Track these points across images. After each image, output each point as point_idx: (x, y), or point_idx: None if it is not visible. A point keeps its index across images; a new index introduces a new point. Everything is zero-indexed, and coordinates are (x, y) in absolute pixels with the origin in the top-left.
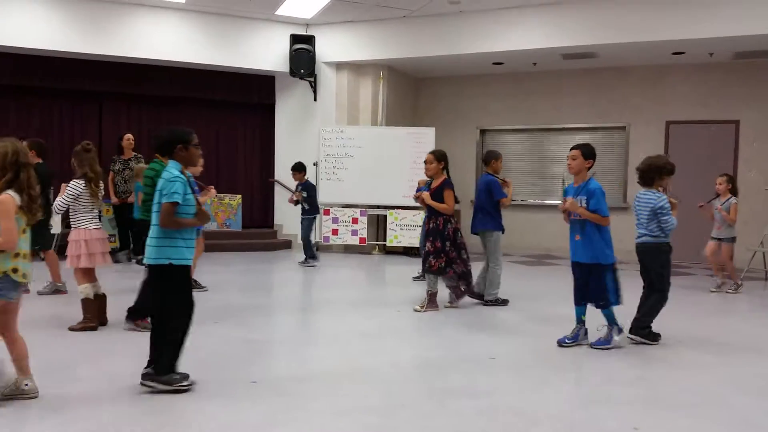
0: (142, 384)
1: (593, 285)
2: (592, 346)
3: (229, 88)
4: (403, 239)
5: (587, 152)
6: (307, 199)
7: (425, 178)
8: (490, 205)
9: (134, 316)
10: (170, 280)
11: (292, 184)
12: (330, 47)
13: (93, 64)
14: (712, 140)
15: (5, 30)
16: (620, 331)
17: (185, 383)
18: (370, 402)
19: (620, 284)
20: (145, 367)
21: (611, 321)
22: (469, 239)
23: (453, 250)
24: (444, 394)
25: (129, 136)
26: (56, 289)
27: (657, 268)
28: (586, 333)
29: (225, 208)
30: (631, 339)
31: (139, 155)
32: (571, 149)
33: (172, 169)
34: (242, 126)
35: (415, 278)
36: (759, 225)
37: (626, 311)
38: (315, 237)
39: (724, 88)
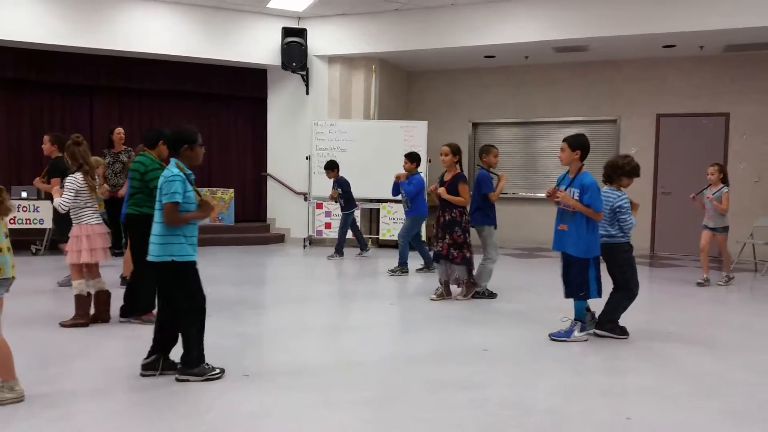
0: (177, 379)
1: (574, 276)
2: (550, 336)
3: (220, 82)
4: (395, 232)
5: (574, 143)
6: (343, 195)
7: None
8: (480, 200)
9: (139, 312)
10: (177, 277)
11: (288, 178)
12: (322, 40)
13: (84, 58)
14: (702, 133)
15: None
16: (583, 328)
17: (216, 372)
18: (363, 395)
19: (600, 277)
20: (146, 357)
21: (579, 315)
22: (514, 232)
23: (471, 241)
24: (437, 386)
25: (120, 129)
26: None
27: (619, 268)
28: (593, 318)
29: (217, 203)
30: (597, 333)
31: (129, 149)
32: (563, 141)
33: (173, 167)
34: (234, 119)
35: (392, 272)
36: (748, 217)
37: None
38: (309, 231)
39: (714, 81)
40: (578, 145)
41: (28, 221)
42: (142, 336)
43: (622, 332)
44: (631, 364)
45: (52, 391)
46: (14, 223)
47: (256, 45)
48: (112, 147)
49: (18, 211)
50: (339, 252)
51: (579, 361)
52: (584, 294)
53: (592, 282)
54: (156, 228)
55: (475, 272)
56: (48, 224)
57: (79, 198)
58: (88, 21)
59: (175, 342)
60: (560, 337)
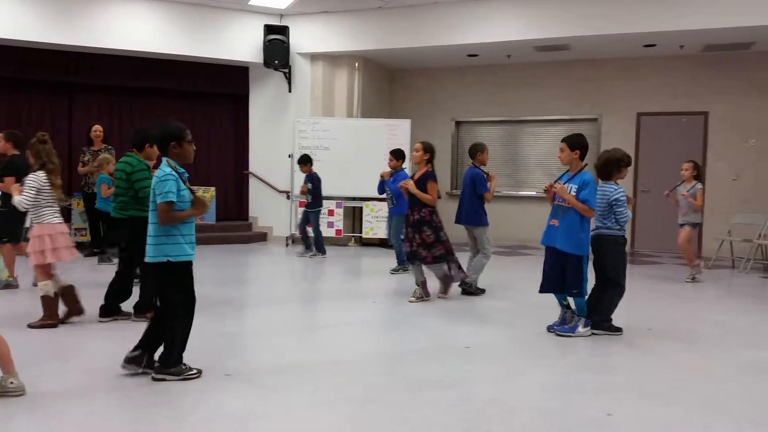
0: (153, 378)
1: (572, 274)
2: (550, 329)
3: (202, 79)
4: (379, 231)
5: (573, 143)
6: (312, 191)
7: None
8: (474, 199)
9: (141, 310)
10: (171, 276)
11: (270, 176)
12: (305, 38)
13: (63, 55)
14: (682, 131)
15: None
16: (587, 324)
17: (194, 372)
18: (347, 393)
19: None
20: (131, 351)
21: (581, 311)
22: (453, 230)
23: (446, 239)
24: (421, 384)
25: (97, 127)
26: (8, 284)
27: (613, 261)
28: (573, 314)
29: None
30: (595, 333)
31: (108, 147)
32: (561, 141)
33: (164, 166)
34: (216, 117)
35: (394, 271)
36: (726, 215)
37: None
38: (292, 229)
39: (693, 80)
40: (577, 145)
41: None
42: (124, 335)
43: (617, 329)
44: (613, 361)
45: (33, 392)
46: None
47: (238, 42)
48: (92, 145)
49: None
50: (320, 250)
51: (561, 359)
52: (578, 291)
53: (585, 281)
54: (151, 229)
55: (466, 267)
56: (26, 223)
57: (41, 197)
58: (67, 17)
59: (161, 339)
60: (565, 331)
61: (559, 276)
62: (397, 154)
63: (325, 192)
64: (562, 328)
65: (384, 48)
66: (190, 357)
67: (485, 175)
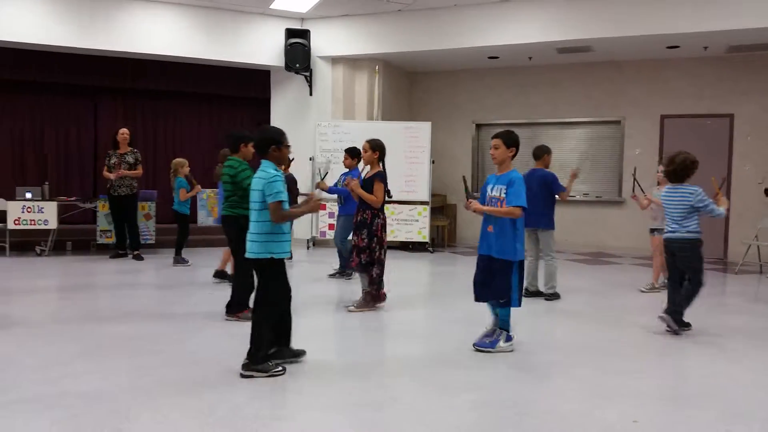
0: (242, 375)
1: (498, 282)
2: (475, 345)
3: (224, 83)
4: (399, 234)
5: (509, 140)
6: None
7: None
8: (545, 201)
9: (233, 309)
10: (273, 271)
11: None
12: (325, 41)
13: (88, 59)
14: (706, 134)
15: (0, 25)
16: (509, 338)
17: (280, 369)
18: (363, 397)
19: (522, 285)
20: (269, 350)
21: (504, 325)
22: None
23: (378, 248)
24: (437, 388)
25: (124, 130)
26: None
27: (695, 263)
28: (495, 328)
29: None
30: (662, 319)
31: (134, 149)
32: (493, 138)
33: (269, 168)
34: (238, 120)
35: (331, 276)
36: (753, 219)
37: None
38: (313, 232)
39: (718, 82)
40: (512, 142)
41: (32, 222)
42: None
43: (686, 324)
44: (636, 366)
45: (55, 391)
46: (19, 224)
47: (260, 46)
48: (117, 148)
49: (22, 212)
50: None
51: (579, 363)
52: (505, 301)
53: (515, 290)
54: (255, 227)
55: (545, 275)
56: (53, 225)
57: None
58: (92, 22)
59: (290, 329)
60: (485, 347)
61: (488, 283)
62: (353, 152)
63: None
64: (481, 342)
65: (404, 51)
66: (206, 359)
67: (572, 174)
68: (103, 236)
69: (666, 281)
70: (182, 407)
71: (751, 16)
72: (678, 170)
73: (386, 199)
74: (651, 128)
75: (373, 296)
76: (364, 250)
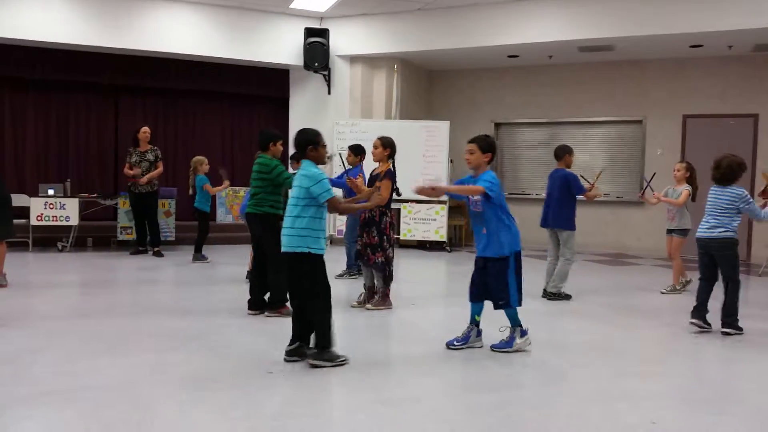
0: (310, 365)
1: (495, 283)
2: (492, 348)
3: (243, 82)
4: (417, 233)
5: (485, 146)
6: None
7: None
8: (564, 201)
9: (275, 306)
10: (309, 265)
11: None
12: (344, 40)
13: (110, 58)
14: (730, 134)
15: (24, 24)
16: (523, 333)
17: (342, 358)
18: (384, 395)
19: (522, 283)
20: (288, 345)
21: (514, 322)
22: (537, 233)
23: (389, 246)
24: (459, 388)
25: (146, 129)
26: None
27: (733, 261)
28: (478, 334)
29: (240, 201)
30: (727, 333)
31: (154, 147)
32: (468, 142)
33: (312, 167)
34: (257, 119)
35: (339, 276)
36: None
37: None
38: (330, 230)
39: (742, 82)
40: (488, 147)
41: (54, 218)
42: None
43: (740, 328)
44: (655, 368)
45: (79, 385)
46: (41, 220)
47: (279, 45)
48: (138, 146)
49: (44, 208)
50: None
51: (600, 364)
52: (504, 302)
53: (513, 290)
54: (294, 221)
55: (554, 273)
56: (74, 221)
57: None
58: (114, 22)
59: (311, 329)
60: (502, 347)
61: (487, 283)
62: (356, 150)
63: None
64: (499, 344)
65: (423, 50)
66: (233, 354)
67: (597, 175)
68: (124, 233)
69: (685, 282)
70: (203, 403)
71: None
72: (725, 174)
73: (394, 197)
74: (673, 128)
75: (383, 295)
76: (376, 248)
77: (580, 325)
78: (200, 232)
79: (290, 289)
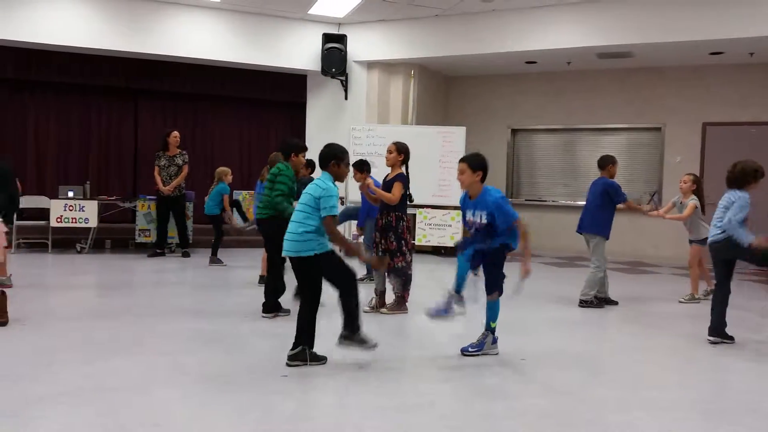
0: (341, 343)
1: (495, 270)
2: (462, 351)
3: (261, 87)
4: (432, 238)
5: (475, 164)
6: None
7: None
8: (601, 208)
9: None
10: (320, 265)
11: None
12: (361, 46)
13: (129, 61)
14: (751, 143)
15: (45, 27)
16: (495, 340)
17: (374, 343)
18: (397, 400)
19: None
20: (291, 350)
21: (493, 317)
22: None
23: (407, 250)
24: (474, 394)
25: (176, 133)
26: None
27: (731, 264)
28: (494, 342)
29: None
30: (712, 341)
31: (183, 151)
32: (459, 161)
33: (327, 180)
34: (274, 124)
35: (360, 280)
36: None
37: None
38: (347, 235)
39: (763, 90)
40: (479, 165)
41: (74, 220)
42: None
43: (730, 337)
44: (674, 377)
45: (97, 385)
46: (61, 221)
47: (297, 50)
48: (167, 150)
49: (64, 210)
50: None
51: (620, 373)
52: (500, 292)
53: (503, 279)
54: (298, 227)
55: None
56: (93, 223)
57: None
58: (135, 26)
59: (313, 334)
60: (473, 348)
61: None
62: (361, 166)
63: None
64: (468, 346)
65: (440, 55)
66: (247, 357)
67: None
68: (142, 235)
69: (706, 291)
70: (218, 405)
71: None
72: (736, 177)
73: (408, 202)
74: (692, 136)
75: (402, 300)
76: (395, 253)
77: (597, 333)
78: (216, 236)
79: (299, 293)
